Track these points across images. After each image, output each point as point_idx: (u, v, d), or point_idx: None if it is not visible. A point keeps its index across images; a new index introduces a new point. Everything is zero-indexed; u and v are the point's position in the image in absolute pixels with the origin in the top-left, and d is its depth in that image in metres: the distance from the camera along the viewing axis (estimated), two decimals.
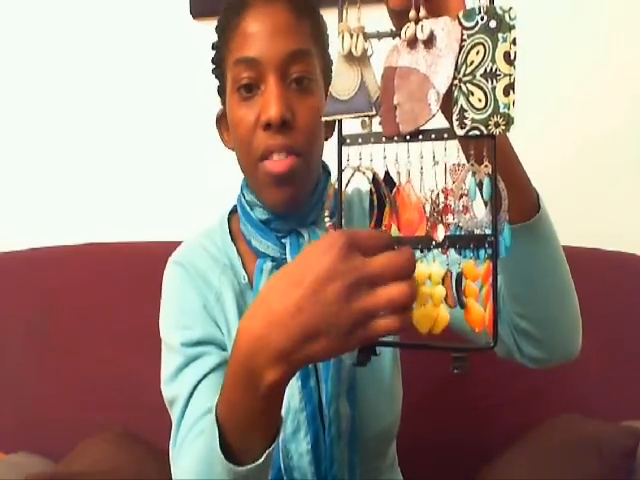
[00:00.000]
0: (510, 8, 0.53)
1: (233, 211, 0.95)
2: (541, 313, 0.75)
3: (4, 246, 1.55)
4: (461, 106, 0.54)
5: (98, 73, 1.65)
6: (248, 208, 0.89)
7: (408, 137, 0.56)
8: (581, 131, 1.51)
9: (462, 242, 0.54)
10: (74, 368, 1.43)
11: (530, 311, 0.75)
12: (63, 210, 1.67)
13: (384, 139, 0.56)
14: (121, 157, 1.65)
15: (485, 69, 0.53)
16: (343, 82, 0.58)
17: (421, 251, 0.56)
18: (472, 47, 0.53)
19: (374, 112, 0.57)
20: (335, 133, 0.60)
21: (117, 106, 1.64)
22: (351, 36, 0.57)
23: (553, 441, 1.20)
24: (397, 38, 0.56)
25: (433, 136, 0.55)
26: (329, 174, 0.92)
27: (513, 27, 0.53)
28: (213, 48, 0.90)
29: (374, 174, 0.58)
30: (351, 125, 0.59)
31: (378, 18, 0.64)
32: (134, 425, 1.38)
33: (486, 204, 0.55)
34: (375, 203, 0.58)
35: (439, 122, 0.56)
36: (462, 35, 0.53)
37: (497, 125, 0.52)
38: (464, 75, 0.53)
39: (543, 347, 0.77)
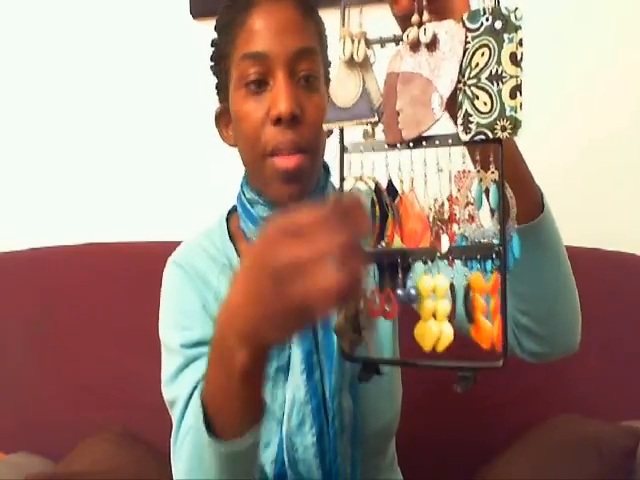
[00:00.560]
0: (516, 8, 0.51)
1: (232, 211, 0.95)
2: (543, 310, 0.75)
3: (4, 246, 1.55)
4: (466, 110, 0.52)
5: (98, 73, 1.65)
6: (249, 206, 0.89)
7: (411, 144, 0.54)
8: (583, 132, 1.51)
9: (468, 253, 0.52)
10: (74, 368, 1.43)
11: (532, 308, 0.75)
12: (63, 210, 1.67)
13: (386, 147, 0.55)
14: (121, 157, 1.65)
15: (490, 71, 0.51)
16: (344, 88, 0.56)
17: (425, 263, 0.54)
18: (477, 49, 0.52)
19: (376, 119, 0.55)
20: (336, 140, 0.59)
21: (117, 106, 1.64)
22: (352, 41, 0.56)
23: (553, 441, 1.20)
24: (400, 44, 0.55)
25: (437, 142, 0.54)
26: (329, 173, 0.92)
27: (519, 27, 0.51)
28: (212, 45, 0.90)
29: (376, 184, 0.56)
30: (354, 131, 0.58)
31: (380, 18, 0.64)
32: (134, 425, 1.38)
33: (493, 213, 0.53)
34: (377, 214, 0.56)
35: (445, 127, 0.55)
36: (466, 37, 0.52)
37: (503, 129, 0.50)
38: (469, 78, 0.52)
39: (543, 342, 0.77)
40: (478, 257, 0.52)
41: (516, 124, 0.50)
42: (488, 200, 0.53)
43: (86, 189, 1.67)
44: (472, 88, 0.52)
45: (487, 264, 0.52)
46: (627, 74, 1.50)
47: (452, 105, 0.54)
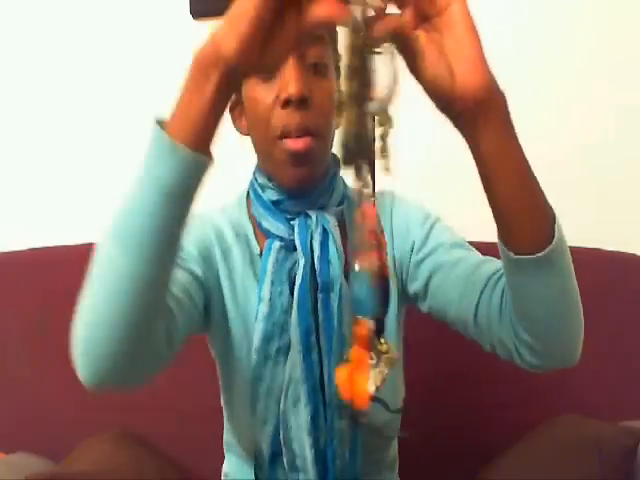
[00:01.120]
0: None
1: (247, 197, 0.98)
2: (545, 331, 0.74)
3: (4, 246, 1.55)
4: None
5: (98, 73, 1.65)
6: (260, 190, 0.91)
7: None
8: (582, 131, 1.51)
9: None
10: (74, 368, 1.43)
11: (533, 328, 0.74)
12: (63, 210, 1.67)
13: None
14: (121, 157, 1.65)
15: None
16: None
17: None
18: None
19: None
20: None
21: (117, 106, 1.64)
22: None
23: (553, 441, 1.20)
24: None
25: None
26: (339, 166, 0.94)
27: None
28: None
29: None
30: None
31: None
32: (134, 425, 1.38)
33: None
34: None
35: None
36: None
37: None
38: None
39: (543, 357, 0.77)
40: None
41: None
42: None
43: (86, 189, 1.67)
44: None
45: None
46: (624, 72, 1.50)
47: None
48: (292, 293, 0.86)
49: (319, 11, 0.54)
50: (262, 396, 0.86)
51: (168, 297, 0.73)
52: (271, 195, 0.90)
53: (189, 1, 1.60)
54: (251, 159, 0.94)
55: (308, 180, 0.86)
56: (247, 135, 0.92)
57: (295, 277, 0.86)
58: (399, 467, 1.05)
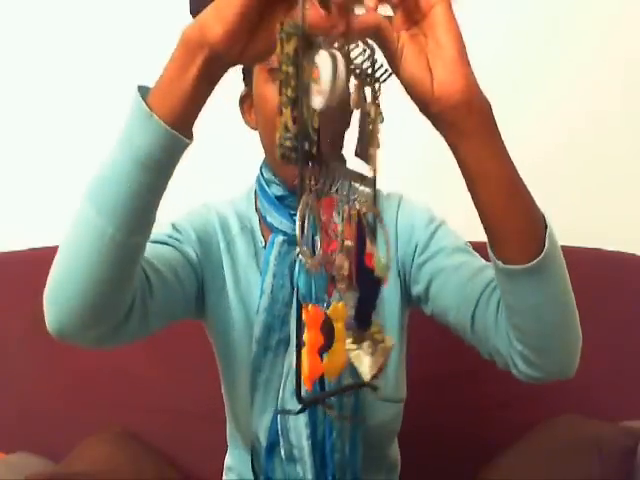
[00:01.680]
0: None
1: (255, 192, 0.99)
2: (538, 343, 0.74)
3: (4, 246, 1.55)
4: None
5: (98, 73, 1.65)
6: (265, 185, 0.94)
7: None
8: (582, 130, 1.51)
9: None
10: (74, 368, 1.43)
11: (526, 339, 0.73)
12: (63, 210, 1.66)
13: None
14: None
15: None
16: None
17: None
18: None
19: None
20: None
21: (117, 106, 1.64)
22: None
23: (553, 441, 1.20)
24: None
25: None
26: (345, 162, 0.93)
27: None
28: None
29: None
30: None
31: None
32: (133, 425, 1.38)
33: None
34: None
35: None
36: None
37: None
38: None
39: (538, 369, 0.76)
40: None
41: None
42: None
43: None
44: None
45: None
46: (621, 69, 1.50)
47: None
48: (294, 286, 0.87)
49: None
50: (261, 386, 0.87)
51: (150, 270, 0.76)
52: (276, 190, 0.92)
53: (189, 1, 1.59)
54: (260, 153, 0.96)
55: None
56: (255, 129, 0.94)
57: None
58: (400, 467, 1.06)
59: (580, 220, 1.46)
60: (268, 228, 0.94)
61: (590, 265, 1.35)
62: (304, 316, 0.52)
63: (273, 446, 0.88)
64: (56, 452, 1.35)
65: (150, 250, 0.76)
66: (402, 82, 0.60)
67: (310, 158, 0.53)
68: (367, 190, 0.60)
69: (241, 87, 0.97)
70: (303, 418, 0.85)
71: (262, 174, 0.95)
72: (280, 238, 0.91)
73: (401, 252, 0.94)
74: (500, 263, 0.67)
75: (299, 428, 0.86)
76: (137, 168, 0.63)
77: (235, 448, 1.01)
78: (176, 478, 1.34)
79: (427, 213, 0.96)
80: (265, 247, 0.93)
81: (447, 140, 0.63)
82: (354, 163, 0.60)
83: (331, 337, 0.53)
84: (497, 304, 0.77)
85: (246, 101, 0.95)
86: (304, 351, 0.52)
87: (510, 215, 0.66)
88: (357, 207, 0.57)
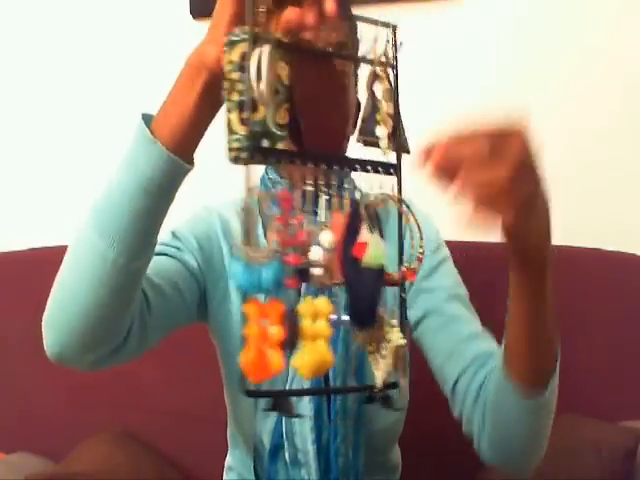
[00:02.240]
0: None
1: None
2: (506, 447, 0.80)
3: (4, 246, 1.55)
4: None
5: (98, 73, 1.65)
6: (270, 185, 0.93)
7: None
8: (582, 130, 1.51)
9: None
10: (74, 369, 1.43)
11: (497, 440, 0.80)
12: (63, 210, 1.67)
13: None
14: None
15: None
16: None
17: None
18: None
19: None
20: None
21: (117, 106, 1.64)
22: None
23: (553, 441, 1.20)
24: None
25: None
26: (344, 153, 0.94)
27: None
28: None
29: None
30: None
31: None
32: (133, 425, 1.38)
33: None
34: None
35: None
36: None
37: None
38: None
39: (499, 458, 0.82)
40: None
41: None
42: None
43: (86, 189, 1.67)
44: None
45: None
46: (621, 70, 1.50)
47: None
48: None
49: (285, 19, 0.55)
50: (265, 387, 0.87)
51: (148, 287, 0.76)
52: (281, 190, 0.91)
53: (189, 1, 1.60)
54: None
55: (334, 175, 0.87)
56: None
57: None
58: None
59: (580, 220, 1.45)
60: None
61: (590, 265, 1.35)
62: (245, 309, 0.51)
63: (277, 449, 0.88)
64: (56, 452, 1.36)
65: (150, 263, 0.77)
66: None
67: (276, 154, 0.54)
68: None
69: None
70: (309, 422, 0.85)
71: (267, 174, 0.95)
72: None
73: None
74: (510, 382, 0.73)
75: (304, 432, 0.86)
76: (139, 192, 0.64)
77: (236, 448, 1.01)
78: (176, 478, 1.34)
79: (435, 234, 0.97)
80: None
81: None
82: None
83: (293, 332, 0.53)
84: (482, 381, 0.81)
85: None
86: (248, 345, 0.52)
87: (528, 353, 0.70)
88: (357, 197, 0.58)
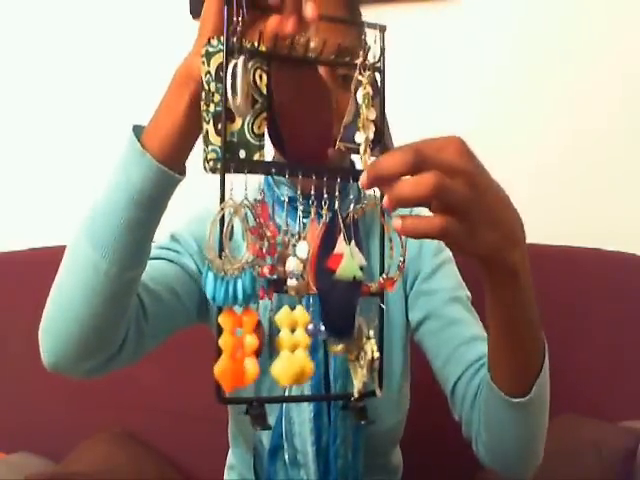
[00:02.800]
0: None
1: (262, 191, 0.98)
2: (501, 453, 0.80)
3: (4, 246, 1.55)
4: None
5: (98, 73, 1.65)
6: (274, 186, 0.92)
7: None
8: (582, 131, 1.51)
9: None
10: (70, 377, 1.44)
11: (493, 445, 0.80)
12: (63, 210, 1.67)
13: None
14: None
15: None
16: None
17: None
18: None
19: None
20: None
21: (117, 106, 1.64)
22: None
23: (553, 441, 1.20)
24: None
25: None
26: (354, 167, 0.94)
27: None
28: None
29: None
30: None
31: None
32: (133, 426, 1.38)
33: None
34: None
35: None
36: None
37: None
38: None
39: (495, 464, 0.83)
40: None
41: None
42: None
43: (86, 189, 1.67)
44: None
45: None
46: (621, 71, 1.50)
47: None
48: None
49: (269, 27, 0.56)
50: (265, 390, 0.87)
51: (144, 293, 0.77)
52: (285, 192, 0.91)
53: (189, 1, 1.60)
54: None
55: (322, 186, 0.86)
56: None
57: None
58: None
59: (580, 220, 1.45)
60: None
61: (590, 265, 1.35)
62: (220, 320, 0.52)
63: (276, 450, 0.88)
64: (56, 452, 1.36)
65: (146, 269, 0.77)
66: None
67: (250, 165, 0.55)
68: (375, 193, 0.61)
69: None
70: (308, 424, 0.86)
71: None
72: None
73: (407, 269, 0.94)
74: (493, 385, 0.73)
75: (304, 434, 0.86)
76: (130, 204, 0.65)
77: (236, 447, 1.01)
78: (176, 478, 1.34)
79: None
80: None
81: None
82: None
83: (263, 341, 0.53)
84: (478, 385, 0.82)
85: None
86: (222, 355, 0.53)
87: (508, 358, 0.71)
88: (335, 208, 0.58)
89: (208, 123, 0.55)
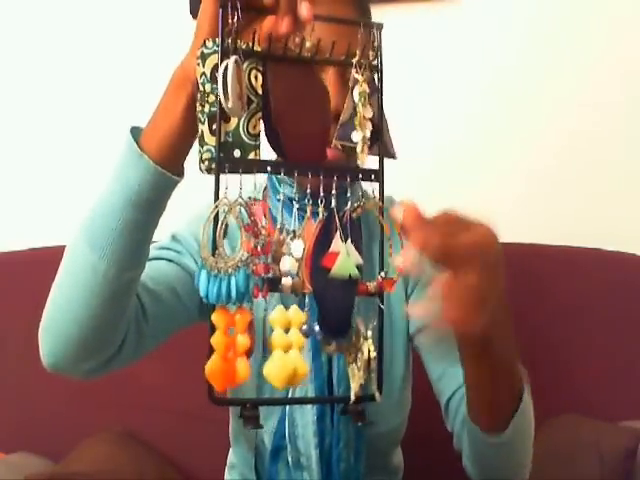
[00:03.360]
0: None
1: (264, 189, 0.98)
2: (488, 477, 0.82)
3: (4, 246, 1.55)
4: None
5: (98, 73, 1.65)
6: (278, 185, 0.92)
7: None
8: (582, 131, 1.51)
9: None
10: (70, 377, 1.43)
11: (477, 465, 0.82)
12: (63, 210, 1.67)
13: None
14: None
15: None
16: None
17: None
18: None
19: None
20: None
21: (117, 106, 1.64)
22: None
23: (553, 441, 1.20)
24: None
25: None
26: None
27: None
28: None
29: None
30: None
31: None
32: (133, 425, 1.38)
33: None
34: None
35: None
36: None
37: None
38: None
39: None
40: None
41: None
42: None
43: (86, 189, 1.67)
44: None
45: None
46: (621, 71, 1.50)
47: None
48: None
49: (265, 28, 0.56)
50: (267, 392, 0.86)
51: (144, 294, 0.77)
52: (288, 191, 0.90)
53: (189, 1, 1.60)
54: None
55: (327, 188, 0.85)
56: None
57: None
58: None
59: (580, 220, 1.45)
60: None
61: (590, 265, 1.35)
62: (213, 318, 0.52)
63: (278, 450, 0.88)
64: (56, 452, 1.35)
65: (147, 269, 0.77)
66: None
67: (244, 164, 0.55)
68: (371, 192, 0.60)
69: None
70: (312, 427, 0.85)
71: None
72: None
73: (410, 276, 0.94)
74: (470, 422, 0.75)
75: (307, 436, 0.86)
76: (127, 206, 0.65)
77: (237, 446, 1.01)
78: (176, 478, 1.34)
79: None
80: None
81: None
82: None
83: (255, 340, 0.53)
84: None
85: None
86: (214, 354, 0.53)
87: (482, 403, 0.73)
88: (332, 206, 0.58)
89: (203, 124, 0.55)
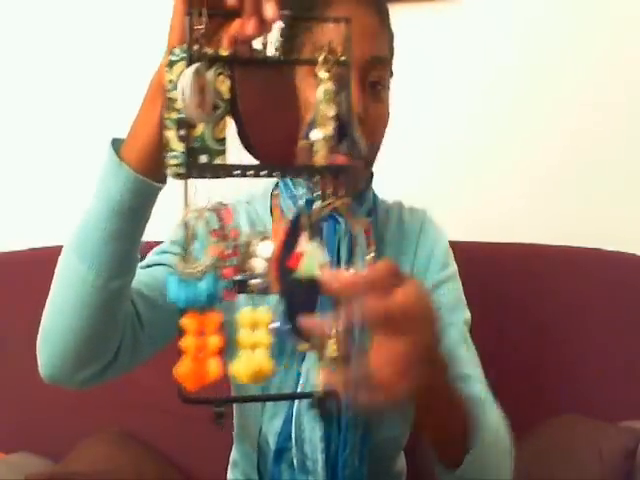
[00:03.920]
0: None
1: (274, 188, 0.97)
2: None
3: (4, 246, 1.55)
4: None
5: (97, 73, 1.65)
6: (292, 185, 0.91)
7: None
8: (583, 131, 1.51)
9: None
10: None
11: None
12: (63, 210, 1.67)
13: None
14: None
15: None
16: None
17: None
18: None
19: None
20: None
21: (116, 106, 1.64)
22: None
23: (553, 441, 1.20)
24: None
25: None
26: (372, 177, 0.94)
27: None
28: (281, 35, 0.89)
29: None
30: None
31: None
32: (132, 425, 1.38)
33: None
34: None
35: None
36: None
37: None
38: None
39: None
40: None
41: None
42: None
43: (86, 190, 1.67)
44: None
45: None
46: (621, 71, 1.50)
47: None
48: None
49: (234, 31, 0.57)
50: (273, 391, 0.87)
51: (139, 301, 0.78)
52: (301, 192, 0.90)
53: None
54: None
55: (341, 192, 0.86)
56: None
57: None
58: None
59: (580, 220, 1.45)
60: None
61: (590, 265, 1.35)
62: (182, 322, 0.53)
63: (282, 451, 0.87)
64: (56, 452, 1.35)
65: (142, 276, 0.77)
66: None
67: (211, 169, 0.56)
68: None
69: None
70: (319, 432, 0.85)
71: None
72: None
73: (417, 273, 0.94)
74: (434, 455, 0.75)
75: (314, 440, 0.85)
76: (112, 216, 0.66)
77: (240, 444, 1.01)
78: (176, 478, 1.34)
79: (446, 251, 0.97)
80: None
81: None
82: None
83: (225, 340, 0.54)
84: None
85: None
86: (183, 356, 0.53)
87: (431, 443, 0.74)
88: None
89: (169, 130, 0.55)
